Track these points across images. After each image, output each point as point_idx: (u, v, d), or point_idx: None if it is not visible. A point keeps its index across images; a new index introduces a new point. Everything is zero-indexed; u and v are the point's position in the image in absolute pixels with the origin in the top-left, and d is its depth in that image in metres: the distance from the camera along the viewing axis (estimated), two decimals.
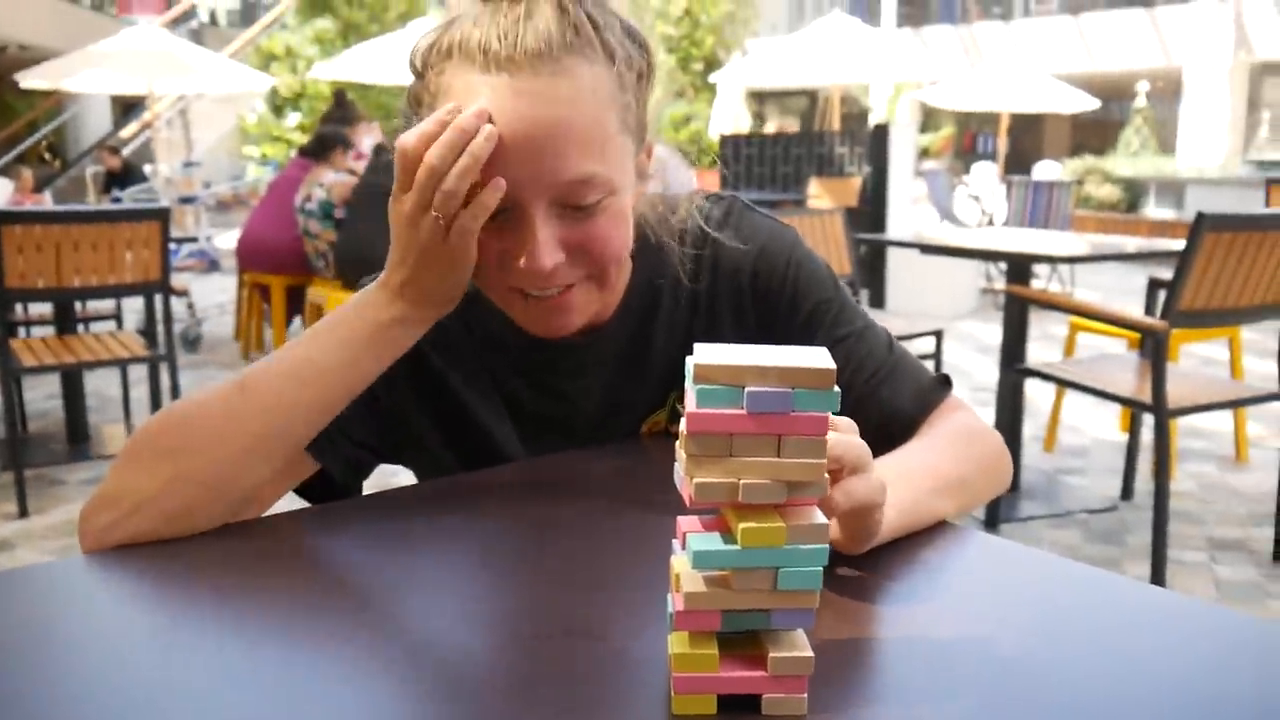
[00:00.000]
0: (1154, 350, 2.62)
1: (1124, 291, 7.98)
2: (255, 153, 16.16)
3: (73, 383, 4.08)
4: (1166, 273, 2.86)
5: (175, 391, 3.72)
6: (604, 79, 0.83)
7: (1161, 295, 3.34)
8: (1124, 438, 3.78)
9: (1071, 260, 3.23)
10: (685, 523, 0.58)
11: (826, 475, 0.54)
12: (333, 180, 4.73)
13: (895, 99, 17.72)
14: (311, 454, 0.92)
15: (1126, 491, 3.47)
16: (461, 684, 0.60)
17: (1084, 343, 3.99)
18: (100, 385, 5.10)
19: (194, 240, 7.56)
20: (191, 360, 5.75)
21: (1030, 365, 3.08)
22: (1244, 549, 3.04)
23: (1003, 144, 12.20)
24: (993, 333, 6.47)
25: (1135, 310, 3.33)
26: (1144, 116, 16.66)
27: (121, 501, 0.81)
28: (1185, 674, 0.62)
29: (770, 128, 13.09)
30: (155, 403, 3.72)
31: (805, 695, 0.56)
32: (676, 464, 0.59)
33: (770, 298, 1.01)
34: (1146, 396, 2.71)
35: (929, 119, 18.96)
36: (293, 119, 16.09)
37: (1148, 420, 3.48)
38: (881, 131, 7.39)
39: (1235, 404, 2.90)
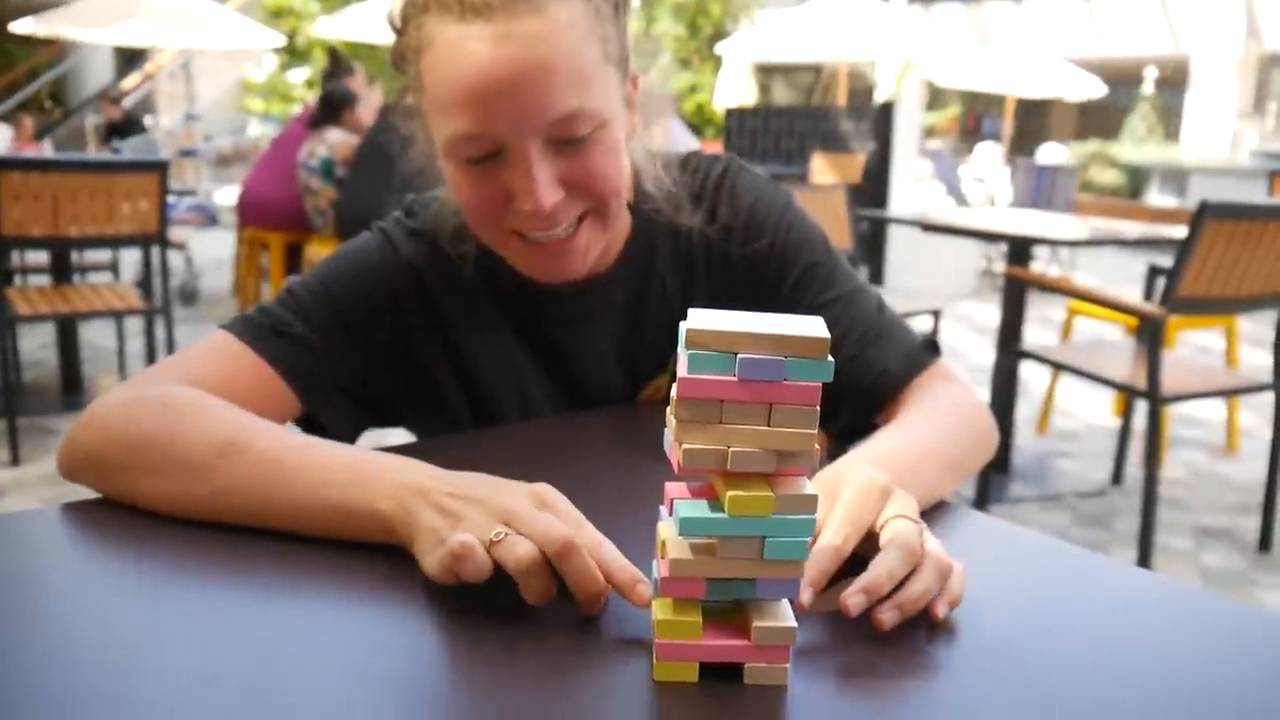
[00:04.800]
0: (1151, 336, 2.62)
1: (1123, 277, 7.97)
2: (258, 108, 16.04)
3: (68, 333, 4.07)
4: (1166, 260, 2.85)
5: (171, 345, 3.71)
6: (580, 12, 0.83)
7: (1160, 282, 3.35)
8: (1116, 423, 3.79)
9: (1073, 244, 3.22)
10: (673, 489, 0.58)
11: (816, 447, 0.54)
12: (337, 139, 4.71)
13: (902, 76, 17.60)
14: (310, 411, 0.92)
15: (1117, 476, 3.48)
16: (442, 644, 0.60)
17: (1081, 327, 3.99)
18: (95, 336, 5.09)
19: (193, 194, 7.51)
20: (188, 314, 5.74)
21: (1027, 348, 3.08)
22: (1231, 538, 3.05)
23: (1008, 126, 12.13)
24: (990, 314, 6.47)
25: (1134, 296, 3.33)
26: (1151, 103, 16.58)
27: (87, 472, 0.79)
28: (1173, 658, 0.63)
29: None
30: (150, 355, 3.71)
31: (788, 665, 0.56)
32: (666, 429, 0.59)
33: (760, 258, 1.01)
34: (1142, 382, 2.71)
35: (935, 98, 18.84)
36: (298, 75, 15.96)
37: (1140, 406, 3.49)
38: (888, 109, 7.35)
39: (1229, 393, 2.91)
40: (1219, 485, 3.50)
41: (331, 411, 0.95)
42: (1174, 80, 16.93)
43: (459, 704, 0.54)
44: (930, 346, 0.99)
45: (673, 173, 1.02)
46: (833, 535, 0.64)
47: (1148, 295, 3.42)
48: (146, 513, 0.76)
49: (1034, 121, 19.76)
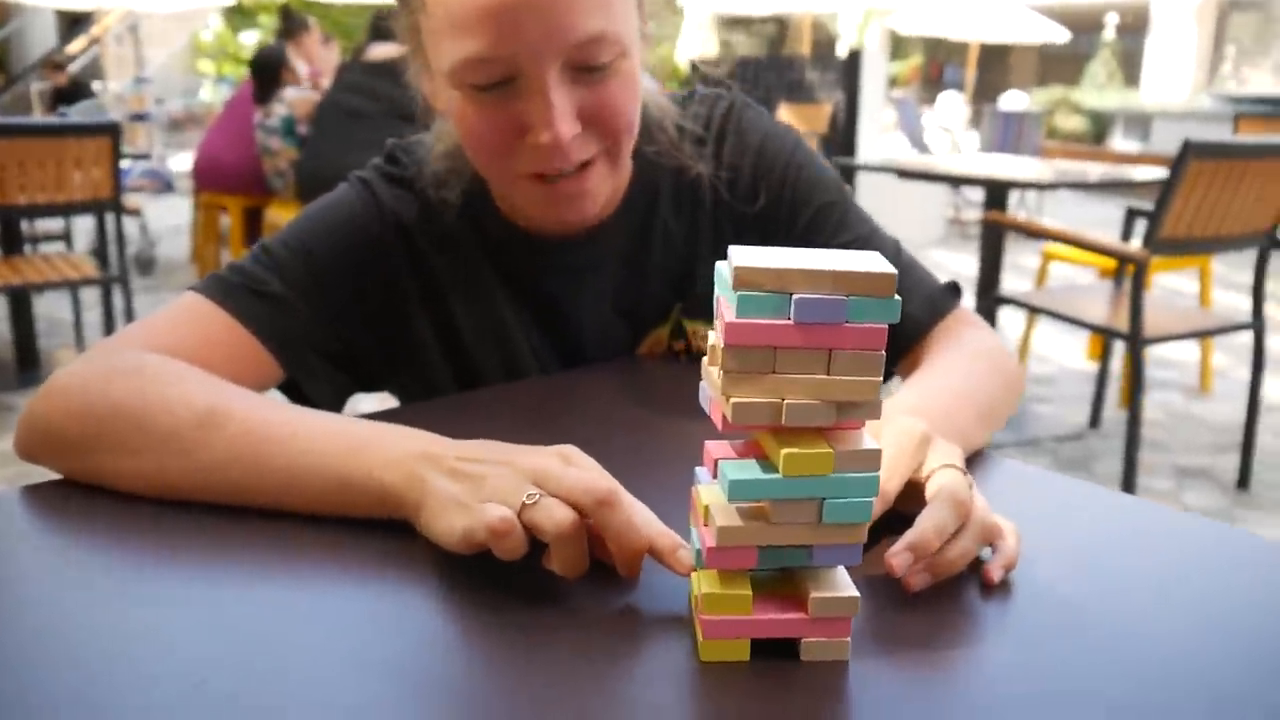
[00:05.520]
0: (1135, 278, 2.59)
1: (1089, 222, 7.98)
2: (210, 70, 15.63)
3: (21, 306, 3.93)
4: (1132, 203, 2.82)
5: (130, 315, 3.59)
6: None
7: (1138, 225, 3.32)
8: (1091, 366, 3.78)
9: (1054, 186, 3.17)
10: (715, 448, 0.52)
11: (880, 397, 0.48)
12: (295, 96, 4.56)
13: (864, 26, 17.46)
14: (291, 377, 0.85)
15: (1095, 420, 3.47)
16: (460, 628, 0.54)
17: (1054, 273, 3.97)
18: (50, 309, 4.93)
19: (146, 158, 7.29)
20: (146, 284, 5.58)
21: (1004, 294, 3.05)
22: (1210, 477, 3.05)
23: (971, 74, 12.07)
24: (959, 262, 6.45)
25: (1110, 239, 3.30)
26: (1111, 49, 16.57)
27: (48, 450, 0.72)
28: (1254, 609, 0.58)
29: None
30: (108, 327, 3.59)
31: (849, 638, 0.51)
32: (703, 383, 0.53)
33: (771, 200, 0.95)
34: (1122, 324, 2.69)
35: (897, 48, 18.72)
36: (250, 36, 15.56)
37: (1116, 350, 3.48)
38: (854, 58, 7.25)
39: (1209, 333, 2.89)
40: (1195, 426, 3.51)
41: (313, 376, 0.88)
42: (1134, 26, 16.93)
43: (485, 696, 0.48)
44: (953, 290, 0.94)
45: (674, 111, 0.95)
46: None
47: (1126, 238, 3.40)
48: (115, 493, 0.68)
49: (995, 69, 19.74)
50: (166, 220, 7.39)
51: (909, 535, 0.56)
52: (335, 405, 0.91)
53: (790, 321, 0.46)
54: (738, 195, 0.96)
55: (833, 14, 17.23)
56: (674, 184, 0.96)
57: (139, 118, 7.38)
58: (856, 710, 0.48)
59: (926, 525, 0.57)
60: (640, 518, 0.56)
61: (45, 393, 0.72)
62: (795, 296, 0.46)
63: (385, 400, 1.04)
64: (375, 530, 0.63)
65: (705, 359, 0.53)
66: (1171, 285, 5.82)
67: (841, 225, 0.94)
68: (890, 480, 0.61)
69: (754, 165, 0.95)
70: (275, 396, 0.82)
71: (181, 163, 8.26)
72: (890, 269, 0.47)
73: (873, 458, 0.48)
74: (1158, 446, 3.29)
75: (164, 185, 7.44)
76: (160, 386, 0.70)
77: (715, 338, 0.51)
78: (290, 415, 0.68)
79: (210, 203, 5.20)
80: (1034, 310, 2.96)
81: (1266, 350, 2.86)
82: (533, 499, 0.55)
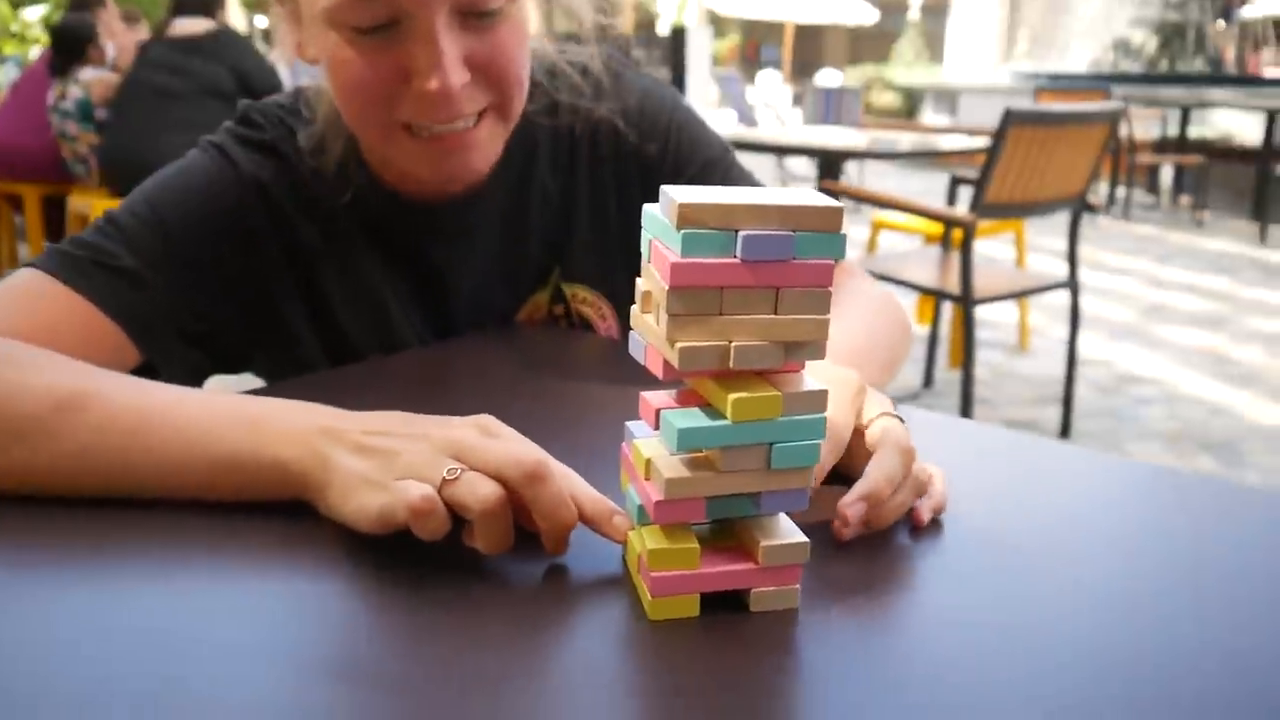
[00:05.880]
0: (964, 241, 2.71)
1: (910, 193, 8.31)
2: None
3: None
4: (938, 176, 2.94)
5: None
6: None
7: (960, 192, 3.48)
8: (921, 330, 3.95)
9: (892, 156, 3.28)
10: (654, 398, 0.49)
11: (827, 333, 0.47)
12: (92, 77, 4.25)
13: (684, 4, 17.67)
14: (147, 358, 0.77)
15: (928, 380, 3.62)
16: (384, 611, 0.50)
17: (882, 241, 4.12)
18: None
19: None
20: None
21: None
22: (1036, 428, 3.23)
23: (788, 53, 12.40)
24: None
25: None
26: (917, 29, 17.33)
27: None
28: (1149, 533, 0.60)
29: None
30: None
31: (799, 586, 0.49)
32: (633, 332, 0.51)
33: (653, 158, 0.93)
34: (953, 286, 2.81)
35: (715, 28, 19.03)
36: (34, 12, 14.43)
37: (944, 313, 3.65)
38: (678, 35, 7.32)
39: (1032, 291, 3.05)
40: (1017, 382, 3.71)
41: (170, 356, 0.81)
42: (937, 7, 17.74)
43: (420, 681, 0.44)
44: None
45: (550, 67, 0.92)
46: None
47: (950, 204, 3.55)
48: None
49: (809, 49, 20.32)
50: None
51: (861, 485, 0.55)
52: (194, 385, 0.84)
53: (737, 259, 0.44)
54: (620, 156, 0.93)
55: None
56: (551, 143, 0.93)
57: None
58: (810, 658, 0.47)
59: (877, 474, 0.56)
60: (574, 487, 0.53)
61: None
62: (742, 233, 0.44)
63: (245, 383, 0.97)
64: (272, 513, 0.58)
65: (635, 307, 0.50)
66: (986, 251, 6.14)
67: (725, 181, 0.93)
68: (845, 430, 0.59)
69: (638, 122, 0.93)
70: None
71: None
72: (834, 203, 0.45)
73: (819, 399, 0.47)
74: (985, 403, 3.46)
75: None
76: (5, 370, 0.62)
77: (648, 284, 0.48)
78: (167, 394, 0.61)
79: (3, 191, 4.80)
80: (873, 276, 3.05)
81: (1081, 308, 3.04)
82: (454, 474, 0.51)
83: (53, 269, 0.75)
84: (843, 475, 0.60)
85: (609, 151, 0.93)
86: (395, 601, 0.50)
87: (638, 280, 0.50)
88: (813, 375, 0.57)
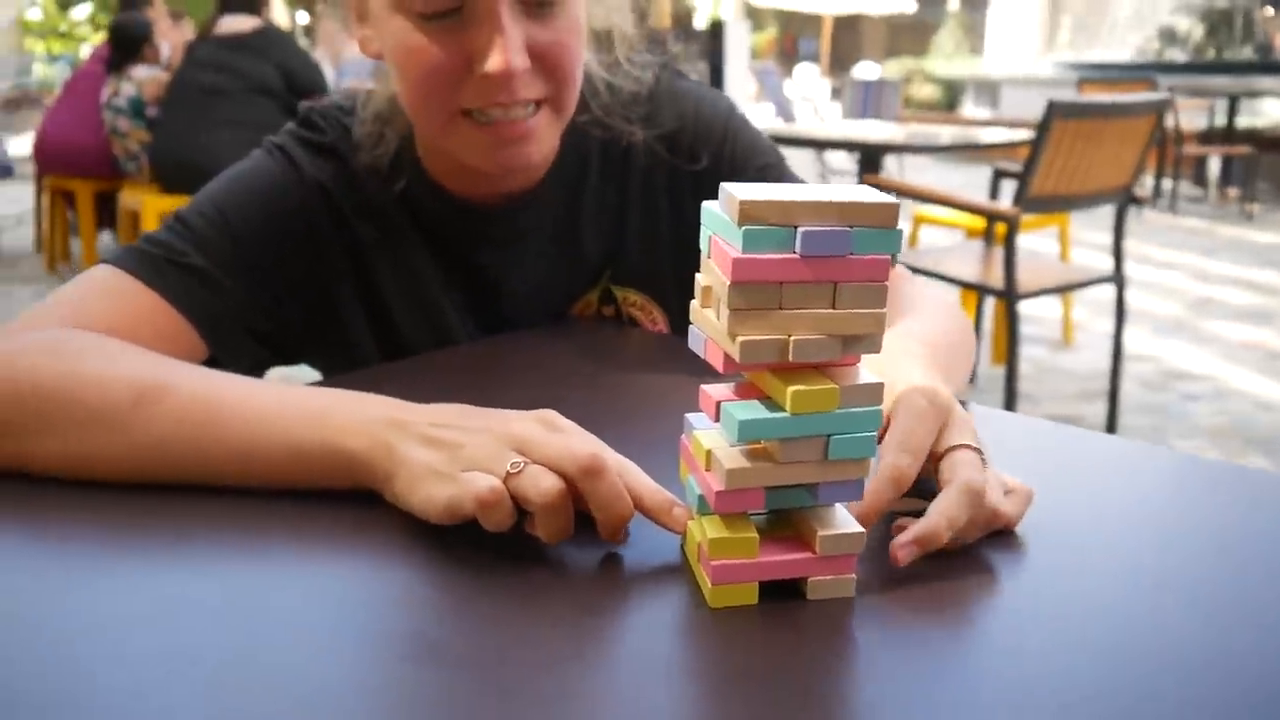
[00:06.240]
0: (1008, 235, 2.69)
1: (951, 186, 8.26)
2: (41, 48, 14.68)
3: None
4: (984, 169, 2.92)
5: None
6: None
7: (1003, 186, 3.45)
8: None
9: (934, 150, 3.27)
10: (714, 391, 0.51)
11: (884, 326, 0.48)
12: (144, 75, 4.32)
13: None
14: (215, 352, 0.80)
15: (970, 376, 3.60)
16: (452, 594, 0.52)
17: (923, 236, 4.10)
18: None
19: None
20: None
21: None
22: (1081, 424, 3.21)
23: (826, 46, 12.35)
24: None
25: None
26: (957, 19, 17.16)
27: None
28: (1215, 528, 0.61)
29: None
30: None
31: (854, 575, 0.51)
32: (693, 327, 0.52)
33: (708, 166, 0.94)
34: (995, 281, 2.79)
35: (752, 20, 18.98)
36: (82, 11, 14.68)
37: (986, 307, 3.62)
38: (717, 28, 7.31)
39: (1077, 286, 3.04)
40: (1061, 377, 3.68)
41: (236, 351, 0.83)
42: None
43: (491, 661, 0.46)
44: None
45: (603, 75, 0.93)
46: (891, 465, 0.55)
47: (993, 198, 3.53)
48: (37, 478, 0.63)
49: (847, 41, 20.19)
50: (5, 208, 6.95)
51: (919, 527, 0.53)
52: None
53: (796, 255, 0.46)
54: (675, 161, 0.94)
55: None
56: (603, 152, 0.94)
57: None
58: (865, 645, 0.48)
59: (938, 519, 0.53)
60: (633, 478, 0.54)
61: None
62: (801, 229, 0.45)
63: (302, 374, 0.99)
64: (342, 501, 0.60)
65: (695, 302, 0.52)
66: (1028, 245, 6.09)
67: None
68: (908, 468, 0.55)
69: (693, 132, 0.94)
70: None
71: (19, 145, 7.75)
72: (890, 199, 0.46)
73: (874, 391, 0.48)
74: (1029, 398, 3.44)
75: (2, 170, 6.97)
76: (87, 363, 0.64)
77: (708, 279, 0.50)
78: (238, 386, 0.64)
79: (56, 187, 4.90)
80: (913, 271, 3.04)
81: (1126, 303, 3.01)
82: (517, 467, 0.53)
83: (130, 266, 0.78)
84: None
85: (662, 159, 0.94)
86: (462, 585, 0.52)
87: (697, 275, 0.52)
88: (903, 383, 0.57)
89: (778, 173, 0.94)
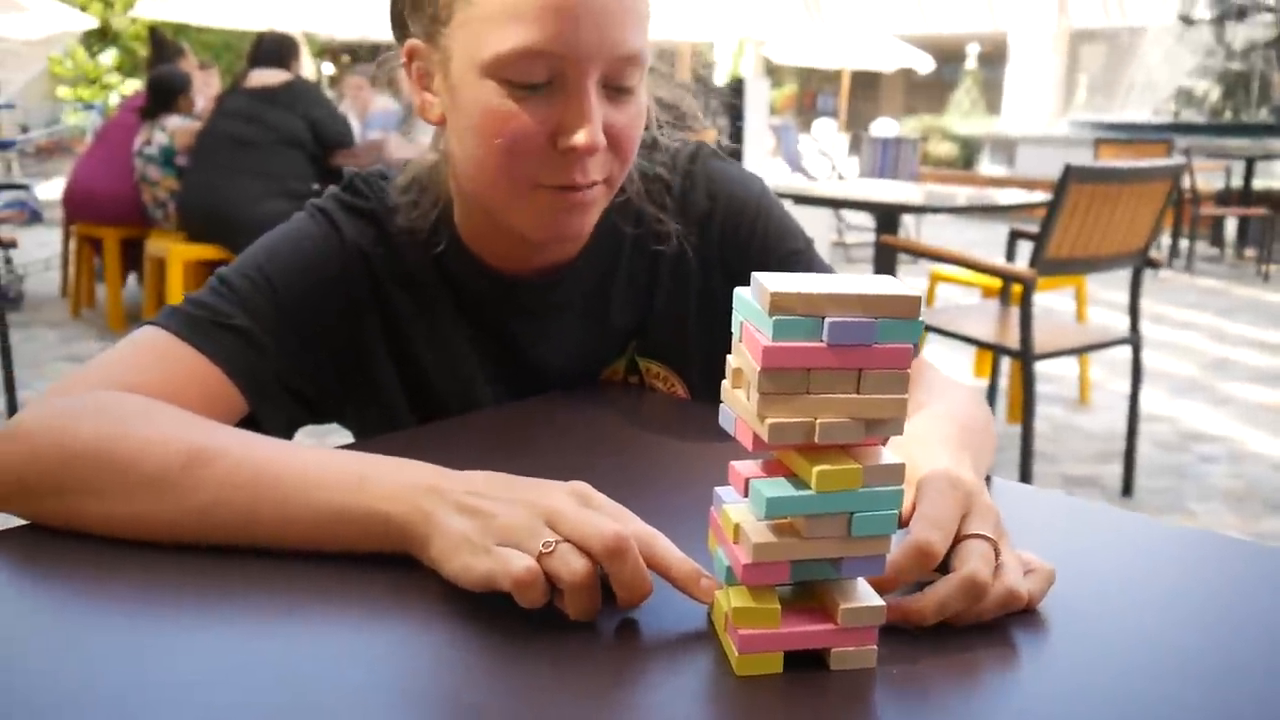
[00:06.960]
0: (1024, 296, 2.72)
1: (966, 244, 8.31)
2: (70, 96, 14.97)
3: None
4: (996, 227, 2.95)
5: (5, 353, 3.42)
6: None
7: (1020, 246, 3.49)
8: (979, 384, 3.94)
9: (952, 211, 3.31)
10: (743, 468, 0.53)
11: (905, 411, 0.51)
12: (177, 125, 4.43)
13: (739, 54, 17.89)
14: (255, 412, 0.83)
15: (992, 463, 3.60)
16: (483, 659, 0.54)
17: (940, 294, 4.13)
18: None
19: (18, 188, 6.92)
20: (15, 319, 5.31)
21: None
22: (1096, 485, 3.21)
23: (844, 102, 12.50)
24: None
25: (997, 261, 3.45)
26: (974, 78, 17.35)
27: (16, 497, 0.68)
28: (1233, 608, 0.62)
29: None
30: None
31: (875, 646, 0.53)
32: (723, 405, 0.55)
33: (738, 249, 0.97)
34: (1011, 341, 2.82)
35: (771, 76, 19.22)
36: (107, 57, 14.98)
37: (1002, 366, 3.64)
38: (739, 85, 7.42)
39: (1093, 348, 3.05)
40: (1078, 437, 3.68)
41: (275, 412, 0.86)
42: (994, 56, 17.76)
43: None
44: None
45: (643, 158, 0.96)
46: (922, 539, 0.57)
47: (1009, 259, 3.56)
48: (90, 536, 0.65)
49: (865, 98, 20.40)
50: (34, 253, 7.05)
51: (908, 600, 0.56)
52: (287, 437, 0.90)
53: (823, 344, 0.49)
54: (706, 242, 0.97)
55: (709, 43, 17.60)
56: (637, 231, 0.97)
57: (3, 145, 7.03)
58: (887, 713, 0.50)
59: (928, 602, 0.56)
60: (661, 550, 0.56)
61: (8, 436, 0.69)
62: (828, 320, 0.48)
63: (330, 433, 1.02)
64: (379, 564, 0.62)
65: (726, 382, 0.54)
66: (1045, 303, 6.11)
67: (809, 272, 0.96)
68: (938, 544, 0.57)
69: (724, 214, 0.97)
70: None
71: (49, 191, 7.89)
72: (913, 292, 0.49)
73: (896, 472, 0.51)
74: (1045, 458, 3.44)
75: (31, 215, 7.09)
76: (137, 427, 0.67)
77: (739, 361, 0.53)
78: (280, 450, 0.67)
79: (84, 234, 4.99)
80: (928, 329, 3.07)
81: (1143, 363, 3.03)
82: (549, 547, 0.55)
83: (175, 328, 0.81)
84: None
85: (695, 239, 0.97)
86: (495, 649, 0.54)
87: (728, 357, 0.54)
88: (929, 464, 0.60)
89: (806, 259, 0.98)
